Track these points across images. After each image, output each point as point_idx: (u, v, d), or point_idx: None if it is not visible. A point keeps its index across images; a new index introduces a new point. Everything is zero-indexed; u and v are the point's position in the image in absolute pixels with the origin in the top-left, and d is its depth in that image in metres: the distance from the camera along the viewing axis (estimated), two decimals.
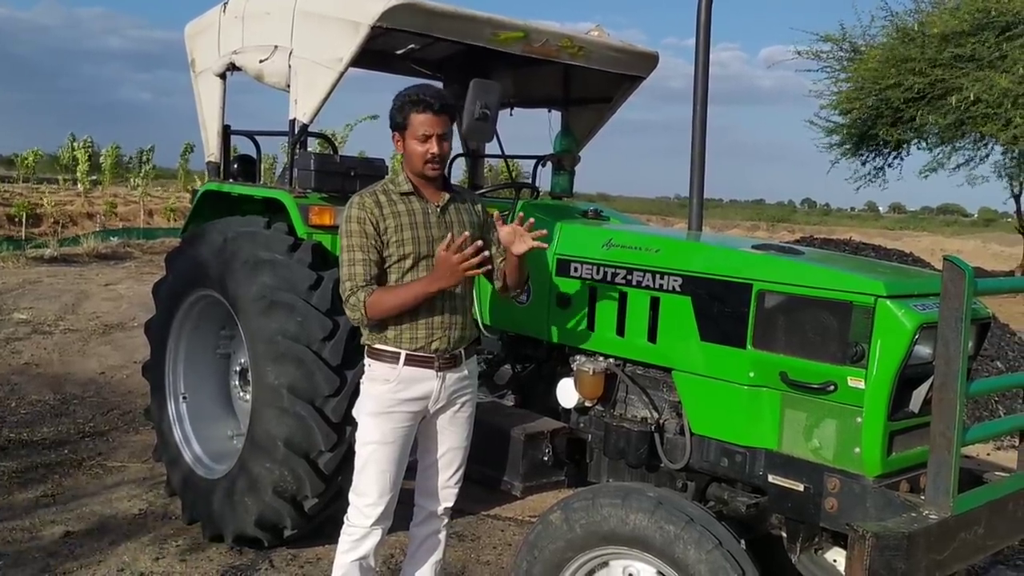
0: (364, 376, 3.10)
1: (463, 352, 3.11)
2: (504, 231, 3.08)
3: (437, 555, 3.28)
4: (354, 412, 3.16)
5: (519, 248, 3.05)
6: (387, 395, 3.01)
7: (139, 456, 5.44)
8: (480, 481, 3.65)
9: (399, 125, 3.00)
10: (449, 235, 2.92)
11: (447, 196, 3.10)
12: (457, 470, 3.22)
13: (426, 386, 3.03)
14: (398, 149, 3.05)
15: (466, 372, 3.13)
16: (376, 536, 3.07)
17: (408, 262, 2.99)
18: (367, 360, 3.08)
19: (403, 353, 2.99)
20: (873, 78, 14.40)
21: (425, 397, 3.04)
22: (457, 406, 3.13)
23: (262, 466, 3.80)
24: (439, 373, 3.03)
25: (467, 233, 2.92)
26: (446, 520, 3.28)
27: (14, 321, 8.88)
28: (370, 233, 2.95)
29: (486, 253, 2.92)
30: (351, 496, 3.10)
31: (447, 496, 3.22)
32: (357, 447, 3.08)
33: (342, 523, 3.11)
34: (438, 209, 3.06)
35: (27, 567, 3.93)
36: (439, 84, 5.36)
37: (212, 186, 4.57)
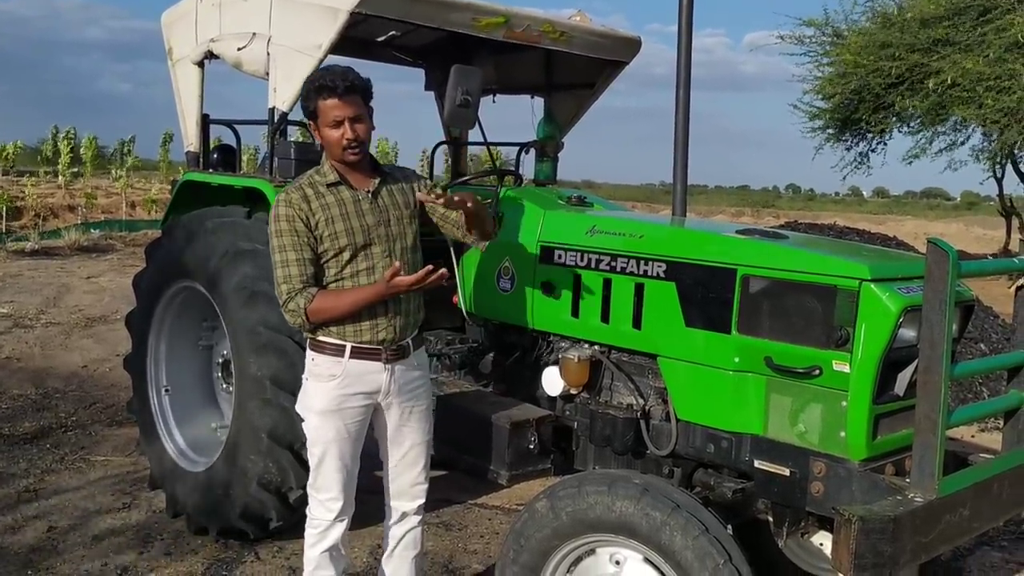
0: (307, 371, 2.99)
1: (411, 343, 3.03)
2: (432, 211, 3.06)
3: (415, 550, 3.24)
4: (298, 408, 3.05)
5: (451, 208, 3.00)
6: (334, 392, 2.91)
7: (122, 450, 5.40)
8: (466, 470, 3.65)
9: (311, 114, 2.88)
10: (395, 264, 2.79)
11: (377, 180, 2.97)
12: (424, 466, 3.16)
13: (374, 379, 2.94)
14: (316, 139, 2.95)
15: (416, 363, 3.06)
16: (341, 526, 3.03)
17: (345, 255, 2.88)
18: (310, 353, 2.97)
19: (348, 345, 2.89)
20: (854, 63, 14.42)
21: (375, 391, 2.96)
22: (412, 400, 3.06)
23: (246, 458, 3.78)
24: (387, 365, 2.95)
25: (397, 263, 2.81)
26: (421, 516, 3.22)
27: None
28: (301, 231, 2.83)
29: (442, 271, 2.83)
30: (310, 491, 3.05)
31: (418, 493, 3.17)
32: (309, 445, 3.00)
33: None
34: (369, 195, 2.94)
35: (10, 562, 3.90)
36: (420, 70, 5.33)
37: (192, 176, 4.51)
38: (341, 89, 2.81)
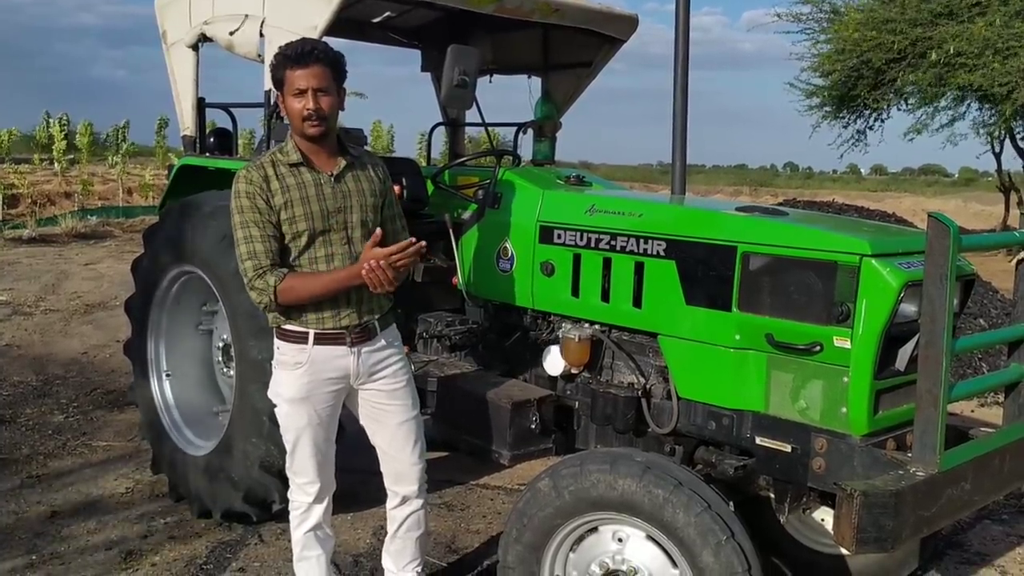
0: (275, 359, 2.97)
1: (377, 323, 2.96)
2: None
3: (419, 530, 3.23)
4: (269, 394, 3.02)
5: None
6: (302, 380, 2.89)
7: (124, 435, 5.40)
8: (468, 451, 3.65)
9: (278, 84, 2.81)
10: (377, 232, 2.74)
11: (343, 163, 2.89)
12: (416, 442, 3.11)
13: (340, 364, 2.91)
14: (282, 112, 2.88)
15: (384, 343, 2.99)
16: (321, 506, 3.07)
17: (303, 240, 2.82)
18: (276, 342, 2.94)
19: (311, 332, 2.85)
20: (853, 40, 14.36)
21: (343, 376, 2.93)
22: (387, 379, 3.01)
23: (248, 441, 3.78)
24: (353, 348, 2.90)
25: (379, 230, 2.74)
26: (423, 498, 3.20)
27: None
28: (262, 208, 2.77)
29: (423, 244, 2.72)
30: (288, 474, 3.07)
31: (416, 474, 3.13)
32: (283, 431, 2.99)
33: None
34: (332, 179, 2.86)
35: (14, 548, 3.91)
36: (417, 52, 5.30)
37: (188, 161, 4.49)
38: (308, 58, 2.74)
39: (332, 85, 2.80)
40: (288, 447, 3.01)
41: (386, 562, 3.30)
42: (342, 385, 2.96)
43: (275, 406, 3.02)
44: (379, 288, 2.73)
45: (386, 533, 3.29)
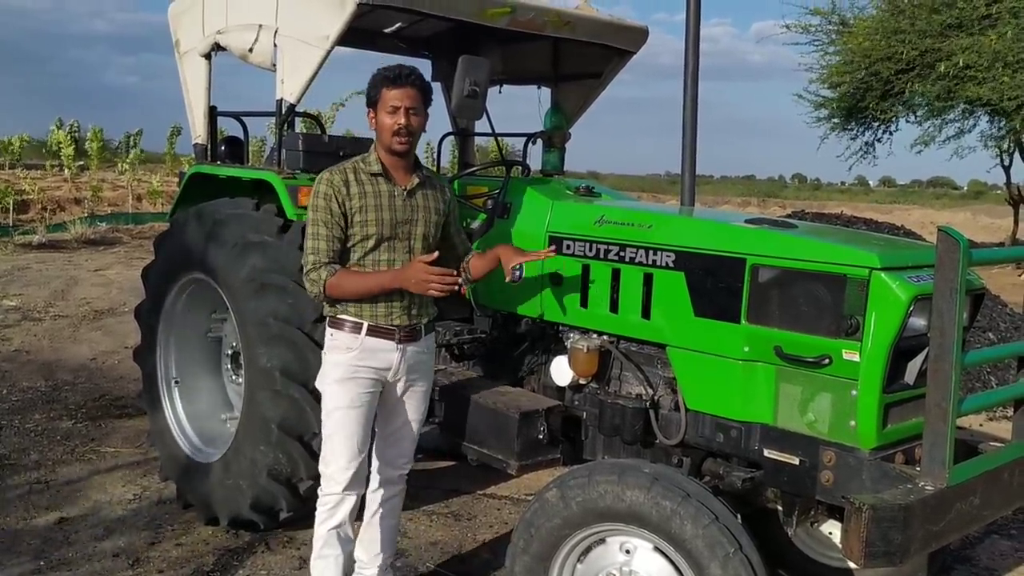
0: (326, 346, 3.18)
1: (423, 327, 3.20)
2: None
3: (393, 519, 3.43)
4: (318, 384, 3.23)
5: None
6: (350, 362, 3.10)
7: (132, 441, 5.42)
8: (475, 460, 3.65)
9: (372, 101, 3.08)
10: (435, 254, 3.01)
11: (416, 180, 3.15)
12: (413, 440, 3.36)
13: (387, 357, 3.12)
14: (371, 126, 3.11)
15: (425, 347, 3.24)
16: (349, 502, 3.17)
17: (371, 242, 3.07)
18: (329, 330, 3.17)
19: (365, 324, 3.09)
20: (862, 51, 14.36)
21: (386, 368, 3.13)
22: (414, 380, 3.23)
23: (256, 449, 3.79)
24: (400, 345, 3.12)
25: (436, 253, 3.03)
26: (403, 486, 3.41)
27: (3, 308, 8.85)
28: (335, 211, 3.02)
29: (459, 280, 3.08)
30: (321, 467, 3.21)
31: (403, 464, 3.37)
32: (324, 416, 3.17)
33: None
34: (405, 192, 3.12)
35: (21, 553, 3.92)
36: (427, 62, 5.32)
37: (200, 168, 4.52)
38: (405, 80, 3.02)
39: (421, 107, 3.08)
40: (326, 432, 3.16)
41: (358, 552, 3.43)
42: (381, 377, 3.15)
43: (319, 398, 3.21)
44: (418, 286, 2.98)
45: (362, 519, 3.36)
